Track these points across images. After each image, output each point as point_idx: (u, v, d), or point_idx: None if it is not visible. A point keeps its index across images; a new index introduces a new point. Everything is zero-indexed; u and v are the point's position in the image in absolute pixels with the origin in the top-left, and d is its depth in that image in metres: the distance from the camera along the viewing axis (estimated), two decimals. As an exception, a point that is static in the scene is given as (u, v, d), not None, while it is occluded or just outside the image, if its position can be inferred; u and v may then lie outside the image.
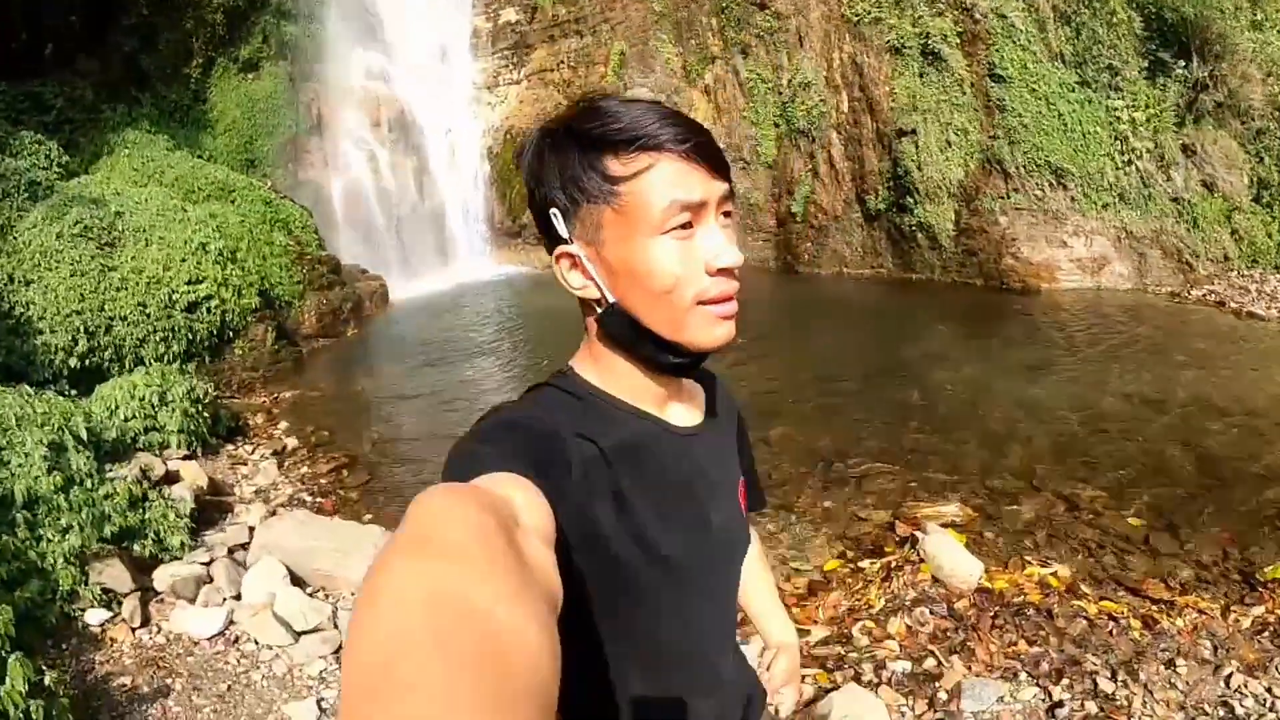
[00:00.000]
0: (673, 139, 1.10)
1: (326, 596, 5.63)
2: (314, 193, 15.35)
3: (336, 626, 5.31)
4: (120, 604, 5.32)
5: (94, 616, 5.16)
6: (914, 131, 13.23)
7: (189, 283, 9.98)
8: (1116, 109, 13.16)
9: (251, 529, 6.50)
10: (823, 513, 6.48)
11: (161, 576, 5.55)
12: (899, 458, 7.35)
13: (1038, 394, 8.68)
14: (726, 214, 1.18)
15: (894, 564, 5.52)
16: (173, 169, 12.29)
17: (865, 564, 5.68)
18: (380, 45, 17.07)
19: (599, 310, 1.18)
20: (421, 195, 16.67)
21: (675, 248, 1.12)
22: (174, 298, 9.78)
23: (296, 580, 5.64)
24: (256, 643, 5.14)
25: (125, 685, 4.75)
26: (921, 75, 13.53)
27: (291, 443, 8.60)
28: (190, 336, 9.87)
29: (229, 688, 4.78)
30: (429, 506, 0.72)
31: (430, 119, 16.84)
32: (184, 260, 10.03)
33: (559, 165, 1.13)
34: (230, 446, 8.42)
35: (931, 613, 5.03)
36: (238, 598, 5.59)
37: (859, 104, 13.94)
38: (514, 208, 16.51)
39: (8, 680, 3.66)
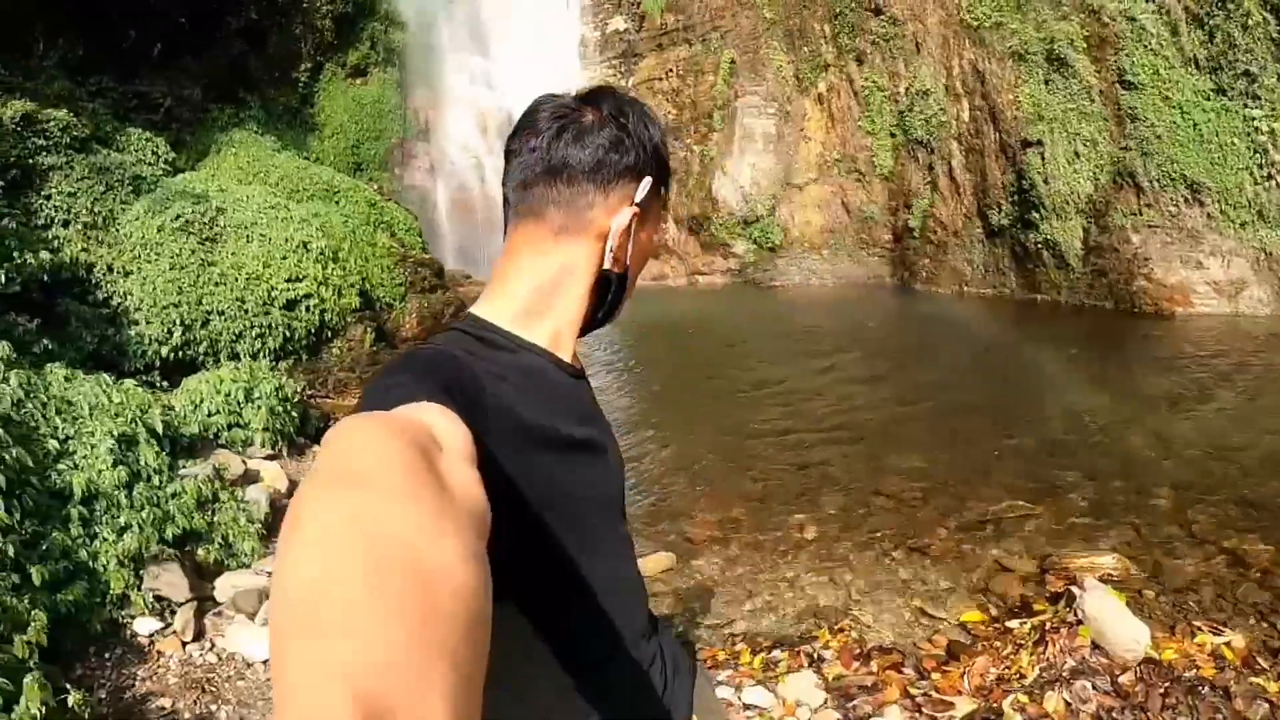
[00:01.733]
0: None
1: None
2: (419, 198, 15.32)
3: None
4: (174, 614, 4.83)
5: (143, 626, 4.63)
6: (1040, 142, 12.29)
7: (289, 280, 9.64)
8: (1255, 119, 12.07)
9: None
10: (960, 558, 5.69)
11: (224, 586, 5.04)
12: (1040, 496, 6.54)
13: (1183, 429, 7.81)
14: None
15: (1048, 625, 4.64)
16: (278, 169, 12.10)
17: (1014, 623, 4.81)
18: (487, 53, 16.88)
19: (614, 269, 1.25)
20: (526, 201, 16.08)
21: (654, 247, 1.36)
22: (273, 295, 9.45)
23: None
24: (315, 674, 4.48)
25: (164, 708, 4.27)
26: (1047, 82, 12.58)
27: None
28: (288, 334, 9.49)
29: (274, 721, 4.15)
30: (348, 436, 0.69)
31: (538, 126, 16.22)
32: (284, 258, 9.72)
33: (651, 139, 1.23)
34: (317, 448, 7.87)
35: (1094, 688, 4.38)
36: (300, 617, 4.91)
37: (981, 113, 13.00)
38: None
39: (22, 701, 3.26)
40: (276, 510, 6.09)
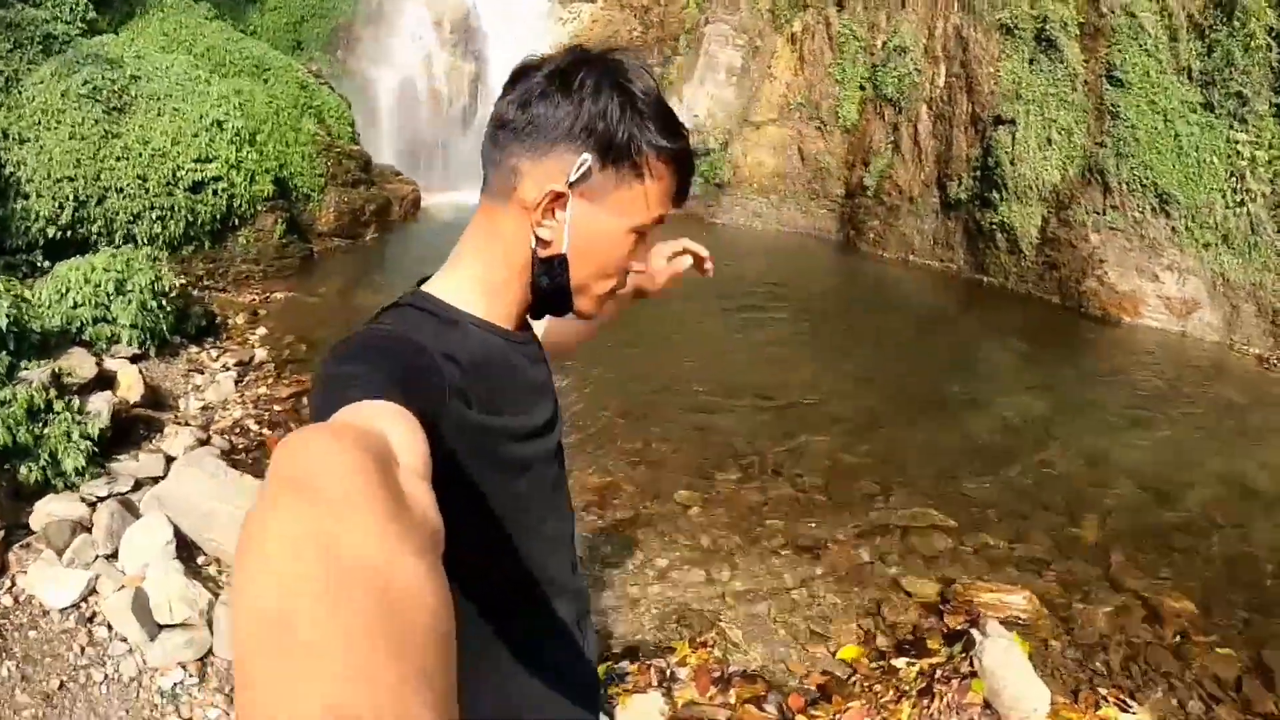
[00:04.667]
0: (689, 166, 1.21)
1: (209, 582, 4.07)
2: (360, 85, 14.13)
3: (210, 628, 3.74)
4: (-21, 540, 3.91)
5: (-62, 557, 3.81)
6: (1013, 121, 11.37)
7: (197, 160, 9.04)
8: (1238, 141, 11.28)
9: (171, 460, 5.26)
10: (856, 571, 4.89)
11: (40, 512, 4.35)
12: (955, 508, 5.80)
13: (1120, 454, 7.09)
14: None
15: (939, 673, 3.83)
16: (205, 38, 11.18)
17: (902, 663, 4.00)
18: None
19: (540, 254, 1.18)
20: (475, 104, 15.19)
21: (631, 246, 1.20)
22: (178, 174, 8.89)
23: (186, 548, 4.31)
24: (110, 628, 3.73)
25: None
26: (1031, 61, 11.64)
27: (261, 354, 7.45)
28: (191, 218, 8.95)
29: (60, 686, 3.50)
30: (306, 450, 0.67)
31: (496, 27, 15.27)
32: (196, 135, 9.10)
33: (606, 113, 1.12)
34: (195, 349, 7.29)
35: (980, 762, 3.49)
36: (113, 557, 4.11)
37: (957, 80, 12.04)
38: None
39: None
40: (119, 423, 5.35)
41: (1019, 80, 11.62)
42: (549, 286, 1.19)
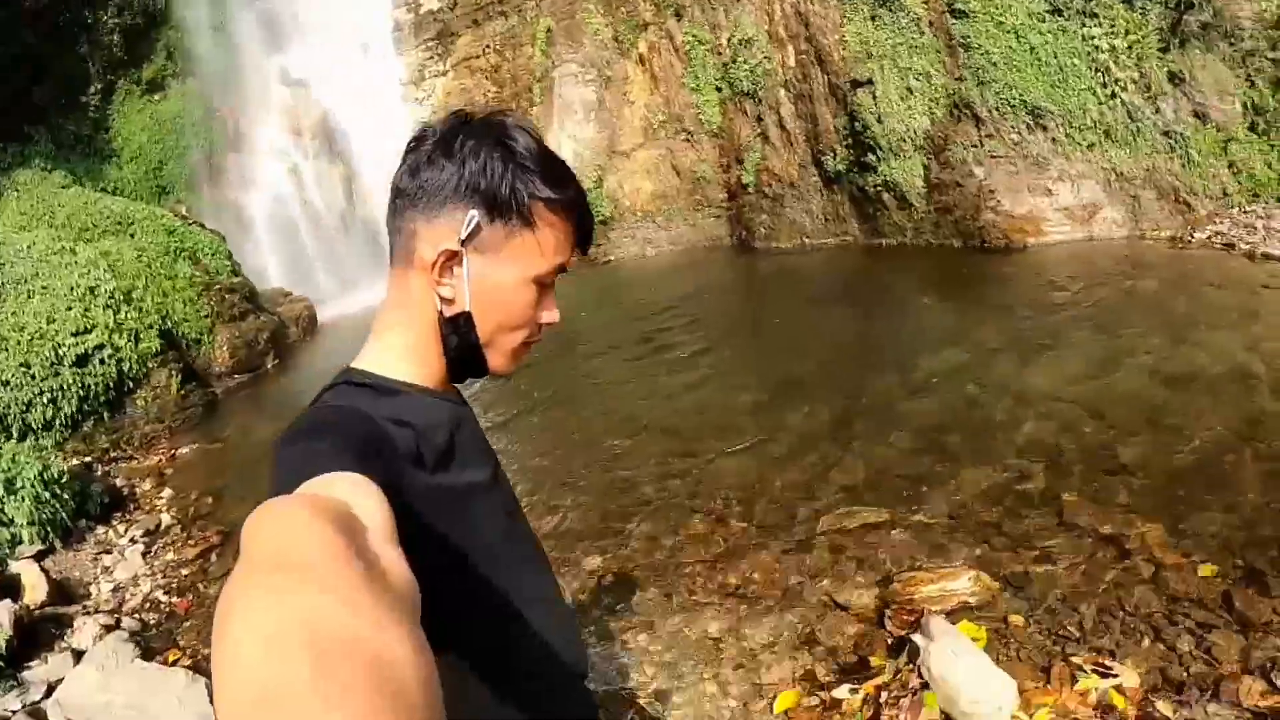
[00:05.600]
0: (584, 214, 1.23)
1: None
2: (235, 214, 13.96)
3: None
4: None
5: None
6: (870, 81, 11.16)
7: (76, 334, 8.67)
8: (1094, 37, 11.12)
9: (80, 655, 4.97)
10: (784, 597, 4.47)
11: None
12: (883, 491, 5.39)
13: (1047, 383, 6.76)
14: None
15: (885, 695, 3.41)
16: (64, 207, 10.95)
17: (844, 691, 3.58)
18: (298, 49, 15.27)
19: (446, 313, 1.18)
20: (352, 204, 14.96)
21: (533, 296, 1.20)
22: (60, 352, 8.51)
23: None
24: None
25: None
26: (874, 19, 11.44)
27: (167, 518, 6.97)
28: (82, 394, 8.50)
29: None
30: (275, 524, 0.66)
31: (355, 122, 14.99)
32: (70, 309, 8.78)
33: (504, 170, 1.14)
34: (102, 528, 6.80)
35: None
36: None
37: (807, 57, 11.83)
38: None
39: None
40: (26, 628, 5.04)
41: (866, 40, 11.41)
42: (459, 345, 1.19)
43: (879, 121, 11.04)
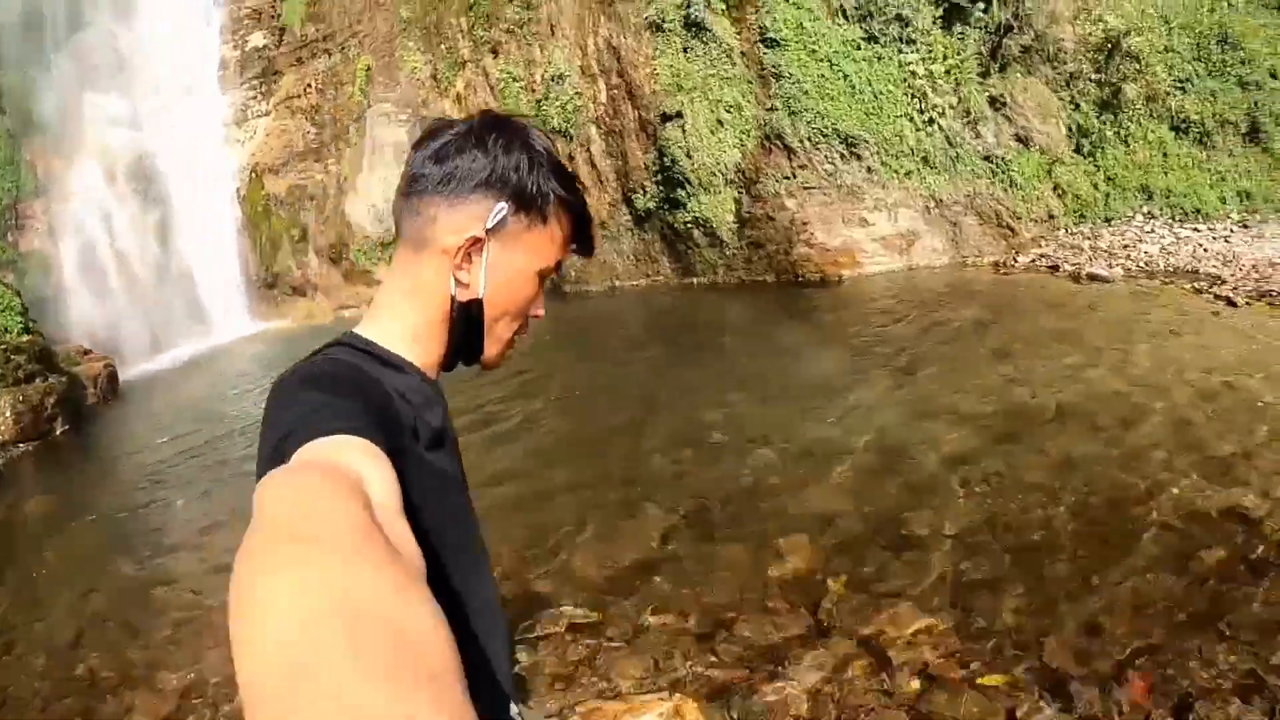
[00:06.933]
0: (586, 216, 1.23)
1: None
2: (41, 265, 12.99)
3: None
4: None
5: None
6: (679, 114, 10.67)
7: None
8: (910, 63, 10.88)
9: None
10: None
11: None
12: (595, 596, 4.56)
13: (834, 432, 6.08)
14: None
15: None
16: None
17: None
18: (118, 86, 14.27)
19: (460, 298, 1.16)
20: (167, 252, 14.01)
21: (535, 289, 1.21)
22: None
23: None
24: None
25: None
26: (686, 50, 10.98)
27: None
28: None
29: None
30: (295, 493, 0.67)
31: (174, 165, 14.10)
32: None
33: (518, 165, 1.14)
34: None
35: None
36: None
37: (618, 92, 11.32)
38: (264, 256, 13.65)
39: None
40: None
41: (678, 72, 10.90)
42: (467, 330, 1.18)
43: (688, 156, 10.52)
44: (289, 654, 0.49)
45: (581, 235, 1.23)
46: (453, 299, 1.16)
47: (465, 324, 1.18)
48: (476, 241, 1.13)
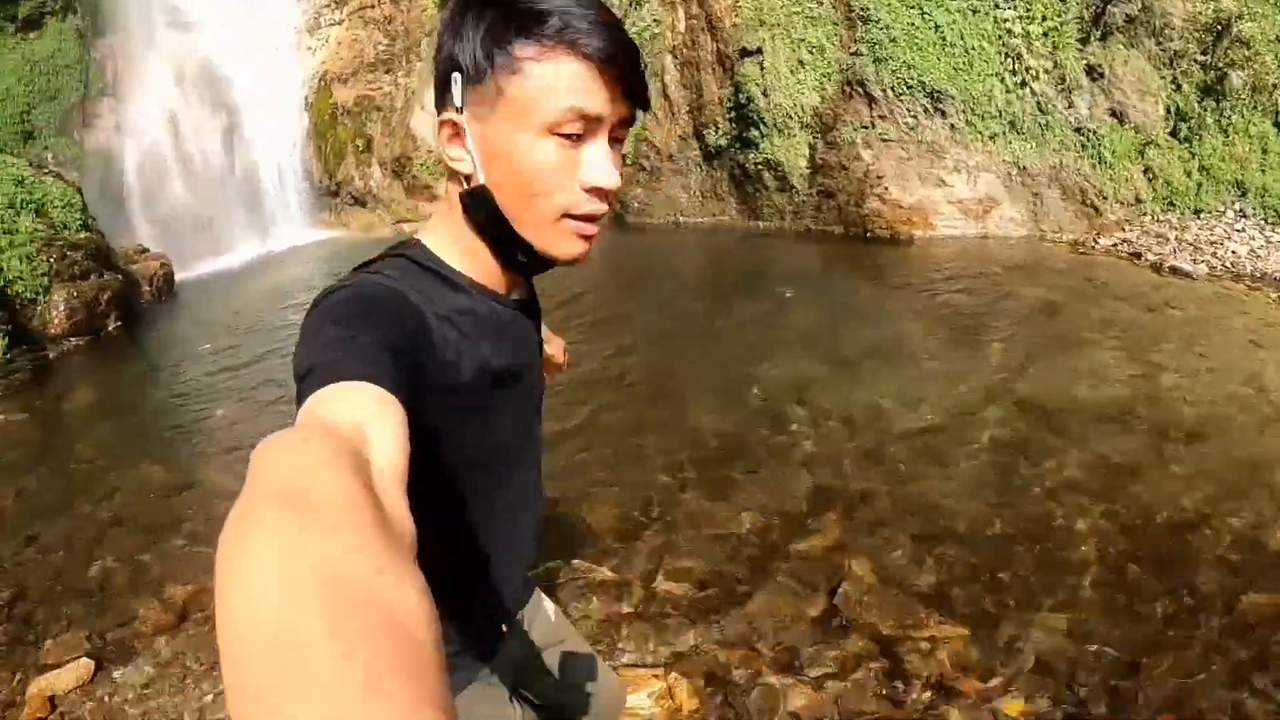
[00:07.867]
0: (595, 44, 1.00)
1: None
2: (104, 163, 12.82)
3: None
4: None
5: None
6: (759, 51, 10.12)
7: None
8: (1007, 20, 10.20)
9: None
10: None
11: None
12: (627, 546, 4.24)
13: (885, 404, 5.63)
14: (619, 139, 1.10)
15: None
16: None
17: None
18: (188, -11, 13.95)
19: (467, 187, 1.10)
20: (231, 157, 13.70)
21: (557, 153, 1.04)
22: None
23: None
24: None
25: None
26: (770, -17, 10.33)
27: None
28: None
29: None
30: (287, 457, 0.64)
31: (244, 70, 13.73)
32: None
33: (474, 25, 1.03)
34: None
35: None
36: None
37: (697, 22, 10.78)
38: (328, 164, 13.45)
39: None
40: None
41: (760, 6, 10.35)
42: (485, 220, 1.09)
43: (765, 95, 10.00)
44: (270, 625, 0.46)
45: (595, 60, 1.00)
46: (461, 193, 1.10)
47: (484, 215, 1.09)
48: (455, 126, 1.06)
